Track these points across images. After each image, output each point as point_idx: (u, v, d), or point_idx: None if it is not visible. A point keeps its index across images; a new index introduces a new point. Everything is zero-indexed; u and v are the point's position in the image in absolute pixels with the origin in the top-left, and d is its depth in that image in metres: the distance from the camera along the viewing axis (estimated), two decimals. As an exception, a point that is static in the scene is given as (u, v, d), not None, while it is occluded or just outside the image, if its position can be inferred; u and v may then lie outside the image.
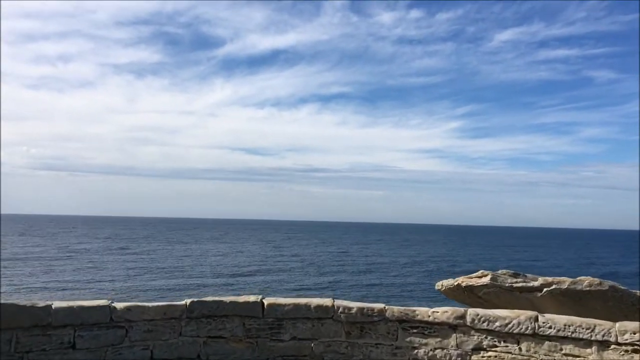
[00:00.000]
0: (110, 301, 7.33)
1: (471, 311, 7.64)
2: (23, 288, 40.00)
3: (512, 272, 11.11)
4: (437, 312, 7.69)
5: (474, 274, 11.64)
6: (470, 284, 11.04)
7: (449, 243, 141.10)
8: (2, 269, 50.13)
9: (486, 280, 10.85)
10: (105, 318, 7.15)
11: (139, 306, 7.29)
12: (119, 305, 7.20)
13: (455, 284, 11.50)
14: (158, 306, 7.46)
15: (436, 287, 12.49)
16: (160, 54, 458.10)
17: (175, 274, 52.24)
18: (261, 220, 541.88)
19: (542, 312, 10.18)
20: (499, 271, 11.39)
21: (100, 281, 45.90)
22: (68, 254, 72.61)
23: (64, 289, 40.15)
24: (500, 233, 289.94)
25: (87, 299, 7.80)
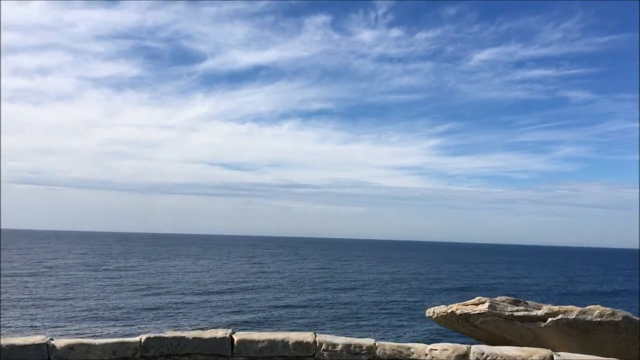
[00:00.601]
0: (49, 338, 6.10)
1: (475, 349, 6.63)
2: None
3: (513, 299, 10.20)
4: (436, 349, 6.66)
5: (470, 300, 10.72)
6: (466, 311, 10.15)
7: (430, 260, 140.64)
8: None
9: (484, 308, 9.95)
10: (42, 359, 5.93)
11: (83, 344, 5.99)
12: (59, 343, 5.95)
13: (449, 311, 10.58)
14: (107, 344, 6.13)
15: (427, 314, 11.48)
16: (140, 68, 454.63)
17: (152, 291, 50.55)
18: (240, 236, 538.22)
19: (545, 344, 9.27)
20: (498, 298, 10.49)
21: (73, 298, 44.08)
22: (42, 270, 70.35)
23: (35, 306, 38.37)
24: (479, 250, 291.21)
25: (24, 335, 6.57)
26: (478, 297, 10.62)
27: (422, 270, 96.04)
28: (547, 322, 9.03)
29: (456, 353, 6.48)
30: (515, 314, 9.41)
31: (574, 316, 8.73)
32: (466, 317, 10.09)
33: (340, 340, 6.81)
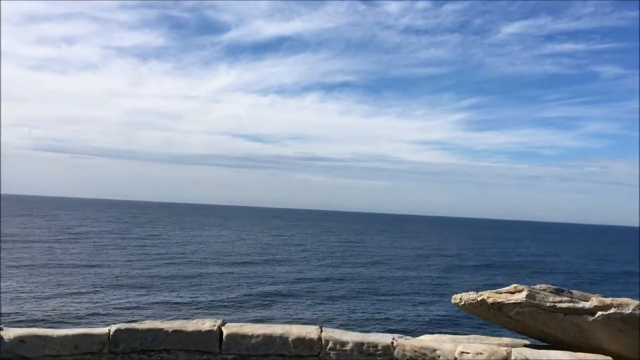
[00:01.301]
0: (-1, 328, 5.06)
1: (517, 355, 5.40)
2: (16, 268, 38.19)
3: (554, 287, 8.91)
4: (468, 353, 5.48)
5: (504, 288, 9.49)
6: (499, 300, 8.95)
7: (454, 236, 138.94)
8: (1, 250, 48.58)
9: (521, 297, 8.74)
10: None
11: (37, 336, 4.96)
12: (8, 334, 4.93)
13: (479, 299, 9.40)
14: (67, 336, 5.07)
15: (453, 301, 10.40)
16: (164, 38, 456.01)
17: (175, 260, 50.44)
18: (262, 208, 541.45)
19: (591, 340, 8.00)
20: (538, 286, 9.24)
21: (98, 265, 44.11)
22: (69, 237, 71.02)
23: (61, 273, 38.32)
24: (504, 226, 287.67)
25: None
26: (514, 285, 9.44)
27: (446, 246, 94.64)
28: (596, 315, 7.76)
29: (493, 358, 5.30)
30: (558, 305, 8.22)
31: (629, 311, 7.43)
32: (499, 306, 8.94)
33: (351, 337, 5.61)
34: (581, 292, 8.89)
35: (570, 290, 8.95)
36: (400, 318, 29.74)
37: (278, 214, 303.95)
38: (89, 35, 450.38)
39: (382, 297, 36.67)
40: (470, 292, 10.83)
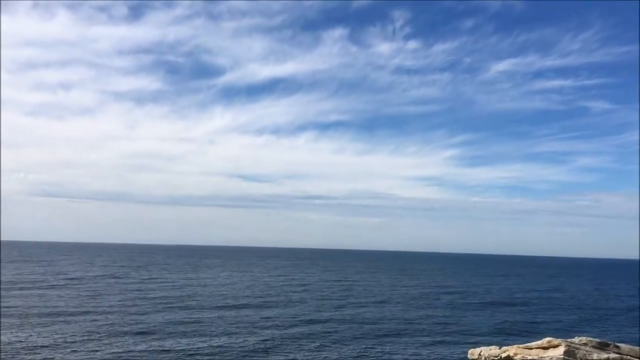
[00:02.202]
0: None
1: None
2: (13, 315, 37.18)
3: (597, 341, 8.19)
4: None
5: (536, 343, 8.63)
6: (529, 358, 8.10)
7: (454, 273, 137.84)
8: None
9: (557, 354, 7.93)
10: None
11: None
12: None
13: (504, 355, 8.56)
14: None
15: (470, 357, 9.44)
16: (160, 82, 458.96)
17: (173, 305, 49.34)
18: (259, 247, 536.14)
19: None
20: (577, 339, 8.42)
21: (94, 312, 43.14)
22: (64, 282, 69.76)
23: (54, 322, 37.30)
24: (500, 262, 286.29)
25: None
26: (547, 339, 8.49)
27: (448, 283, 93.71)
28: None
29: None
30: (605, 363, 7.43)
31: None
32: None
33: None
34: (630, 346, 7.91)
35: (617, 344, 8.03)
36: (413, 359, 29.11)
37: (276, 253, 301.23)
38: (85, 81, 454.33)
39: (390, 339, 35.87)
40: (491, 347, 9.37)
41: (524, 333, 39.52)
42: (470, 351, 9.67)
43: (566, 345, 7.78)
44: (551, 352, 7.85)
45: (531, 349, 8.40)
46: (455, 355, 30.67)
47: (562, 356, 7.47)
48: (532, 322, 45.10)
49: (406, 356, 30.30)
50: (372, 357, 29.86)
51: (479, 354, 9.04)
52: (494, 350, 8.95)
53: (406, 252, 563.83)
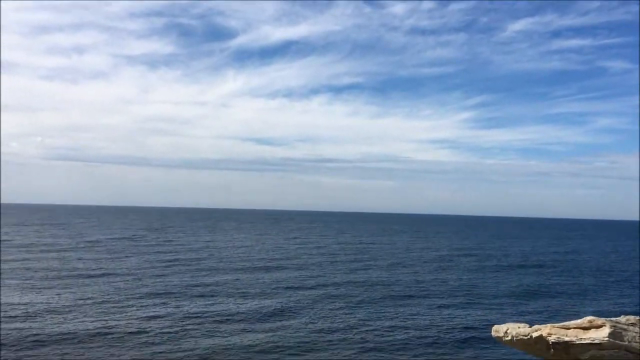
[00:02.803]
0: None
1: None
2: (28, 281, 37.49)
3: None
4: None
5: (574, 322, 7.58)
6: (567, 339, 7.17)
7: (471, 235, 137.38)
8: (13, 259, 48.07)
9: (601, 335, 6.98)
10: None
11: None
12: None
13: (535, 334, 7.58)
14: None
15: (495, 334, 8.32)
16: (173, 45, 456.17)
17: (191, 268, 49.48)
18: (273, 210, 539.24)
19: None
20: (623, 318, 7.46)
21: (112, 274, 43.29)
22: (84, 245, 70.50)
23: (75, 281, 37.58)
24: (516, 224, 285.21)
25: None
26: (589, 318, 7.41)
27: (465, 246, 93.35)
28: None
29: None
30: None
31: None
32: (566, 346, 7.18)
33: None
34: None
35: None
36: (429, 322, 28.77)
37: (290, 217, 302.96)
38: (98, 44, 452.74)
39: (405, 301, 35.57)
40: (520, 325, 8.31)
41: (543, 296, 39.11)
42: (494, 328, 8.78)
43: (611, 326, 6.87)
44: (593, 334, 6.94)
45: (568, 328, 7.48)
46: (471, 318, 30.33)
47: (607, 338, 6.57)
48: (551, 285, 44.59)
49: (423, 319, 29.99)
50: (388, 319, 29.58)
51: (506, 332, 8.13)
52: (523, 328, 8.04)
53: (420, 214, 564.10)
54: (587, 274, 54.23)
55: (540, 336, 7.66)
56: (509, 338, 8.22)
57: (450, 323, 28.93)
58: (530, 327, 8.41)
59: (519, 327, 8.53)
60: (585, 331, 7.31)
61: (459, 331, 27.27)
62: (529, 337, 7.92)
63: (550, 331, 7.71)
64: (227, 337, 24.84)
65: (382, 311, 31.85)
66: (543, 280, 48.01)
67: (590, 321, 7.54)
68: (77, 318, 27.61)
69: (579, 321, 7.78)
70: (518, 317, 31.09)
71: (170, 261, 54.35)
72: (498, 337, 8.59)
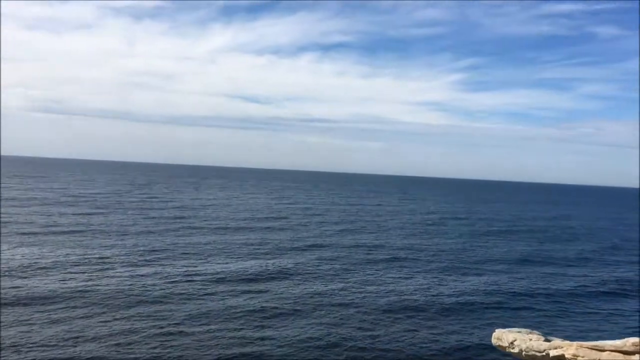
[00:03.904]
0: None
1: None
2: (17, 234, 35.91)
3: None
4: None
5: (610, 342, 6.10)
6: None
7: (460, 199, 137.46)
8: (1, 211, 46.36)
9: None
10: None
11: None
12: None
13: (555, 354, 6.13)
14: None
15: (495, 342, 6.81)
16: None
17: (174, 227, 48.22)
18: (259, 169, 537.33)
19: None
20: None
21: (95, 231, 41.86)
22: (66, 199, 68.69)
23: (61, 234, 36.13)
24: (502, 188, 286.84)
25: None
26: (631, 340, 6.00)
27: (455, 209, 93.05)
28: None
29: None
30: None
31: None
32: None
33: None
34: None
35: None
36: (417, 287, 27.87)
37: (277, 175, 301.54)
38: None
39: (393, 264, 34.75)
40: (531, 335, 6.78)
41: (536, 262, 38.44)
42: (496, 334, 7.13)
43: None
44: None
45: (602, 350, 5.94)
46: (462, 283, 29.50)
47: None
48: (543, 250, 44.04)
49: (410, 283, 29.08)
50: (375, 283, 28.68)
51: (512, 343, 6.48)
52: (536, 341, 6.43)
53: (407, 176, 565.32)
54: (578, 240, 53.89)
55: (562, 357, 6.09)
56: (516, 350, 6.63)
57: (440, 288, 28.01)
58: (546, 339, 6.73)
59: (530, 339, 6.84)
60: (627, 355, 5.79)
61: (447, 296, 26.39)
62: (544, 354, 6.32)
63: (576, 352, 6.14)
64: (212, 298, 23.68)
65: (370, 274, 30.91)
66: (535, 245, 47.48)
67: (635, 344, 5.98)
68: (58, 276, 26.24)
69: (618, 343, 6.14)
70: (512, 282, 30.36)
71: (153, 218, 52.91)
72: (500, 346, 6.97)
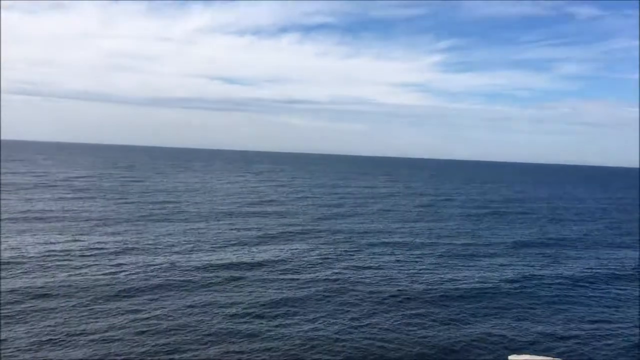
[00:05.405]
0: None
1: None
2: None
3: None
4: None
5: None
6: None
7: (445, 180, 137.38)
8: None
9: None
10: None
11: None
12: None
13: None
14: None
15: None
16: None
17: (157, 213, 46.74)
18: (240, 151, 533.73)
19: None
20: None
21: (80, 218, 40.20)
22: (47, 183, 66.63)
23: (37, 221, 34.48)
24: (484, 168, 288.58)
25: None
26: None
27: (443, 190, 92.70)
28: None
29: None
30: None
31: None
32: None
33: None
34: None
35: None
36: (414, 273, 26.97)
37: (259, 158, 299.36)
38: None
39: (394, 250, 33.87)
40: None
41: (536, 244, 37.84)
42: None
43: None
44: None
45: None
46: (461, 269, 28.68)
47: None
48: (540, 232, 43.48)
49: (408, 269, 28.17)
50: (372, 269, 27.75)
51: None
52: None
53: (389, 157, 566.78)
54: (571, 220, 53.60)
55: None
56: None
57: (438, 274, 27.10)
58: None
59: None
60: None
61: (447, 282, 25.51)
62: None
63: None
64: (201, 287, 22.47)
65: (365, 260, 29.90)
66: (533, 227, 46.93)
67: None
68: (42, 269, 24.73)
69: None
70: (513, 266, 29.64)
71: (135, 203, 51.29)
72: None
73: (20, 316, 18.59)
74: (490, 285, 25.63)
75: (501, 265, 30.56)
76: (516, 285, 25.93)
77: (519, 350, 16.83)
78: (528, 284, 26.34)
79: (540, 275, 28.17)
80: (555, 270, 29.77)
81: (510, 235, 41.67)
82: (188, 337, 17.33)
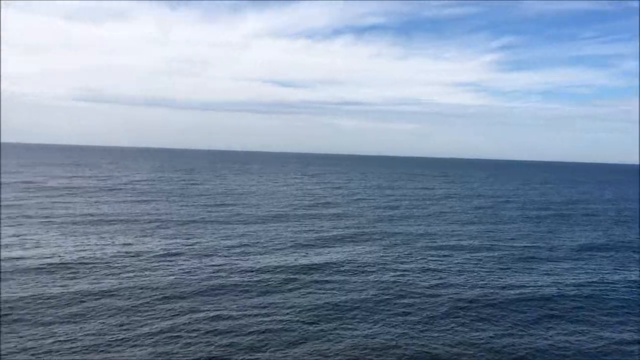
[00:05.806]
0: None
1: None
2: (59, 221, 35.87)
3: None
4: None
5: None
6: None
7: (504, 181, 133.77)
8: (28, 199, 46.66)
9: None
10: None
11: None
12: None
13: None
14: None
15: None
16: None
17: (219, 218, 47.56)
18: (294, 153, 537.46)
19: None
20: None
21: (143, 220, 41.40)
22: (111, 186, 69.16)
23: (102, 223, 35.87)
24: (541, 168, 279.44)
25: None
26: None
27: (501, 191, 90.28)
28: None
29: None
30: None
31: None
32: None
33: None
34: None
35: None
36: (478, 278, 26.27)
37: (311, 160, 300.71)
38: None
39: (456, 254, 33.17)
40: None
41: (607, 248, 36.28)
42: None
43: None
44: None
45: None
46: (526, 276, 27.73)
47: None
48: (612, 235, 41.65)
49: (471, 274, 27.48)
50: (432, 272, 27.23)
51: None
52: None
53: (442, 158, 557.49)
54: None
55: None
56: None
57: (498, 278, 26.34)
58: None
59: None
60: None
61: (508, 287, 24.71)
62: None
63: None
64: (263, 290, 22.68)
65: (422, 263, 29.40)
66: (598, 229, 45.06)
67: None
68: (108, 269, 25.66)
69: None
70: (578, 270, 28.50)
71: (199, 205, 52.46)
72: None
73: (90, 315, 19.33)
74: (555, 290, 24.74)
75: (565, 269, 29.46)
76: (582, 290, 24.92)
77: None
78: (595, 289, 25.27)
79: (608, 281, 26.98)
80: (623, 275, 28.44)
81: (574, 238, 40.14)
82: (246, 338, 17.57)
